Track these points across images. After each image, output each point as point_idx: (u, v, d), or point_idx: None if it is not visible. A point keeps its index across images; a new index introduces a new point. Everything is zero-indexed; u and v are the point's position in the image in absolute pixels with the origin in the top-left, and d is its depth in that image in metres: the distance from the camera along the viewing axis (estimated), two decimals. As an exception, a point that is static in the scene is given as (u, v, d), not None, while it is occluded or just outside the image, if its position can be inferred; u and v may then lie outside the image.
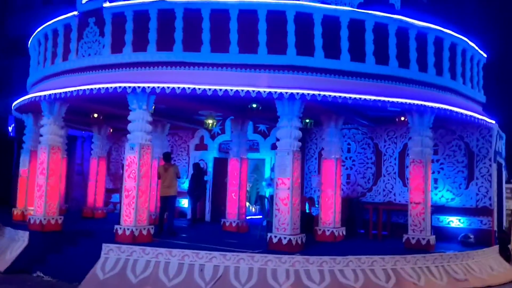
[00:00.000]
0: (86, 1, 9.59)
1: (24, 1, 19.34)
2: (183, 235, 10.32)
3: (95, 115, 12.83)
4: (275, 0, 8.54)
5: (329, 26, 8.66)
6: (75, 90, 8.96)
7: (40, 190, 9.99)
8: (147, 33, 8.82)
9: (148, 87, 8.35)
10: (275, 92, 8.10)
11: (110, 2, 9.24)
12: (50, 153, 10.05)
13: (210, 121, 12.66)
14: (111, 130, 14.70)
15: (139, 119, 8.75)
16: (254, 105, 10.09)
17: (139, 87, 8.38)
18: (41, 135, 10.34)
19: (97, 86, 8.66)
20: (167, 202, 10.45)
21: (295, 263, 7.77)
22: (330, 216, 10.09)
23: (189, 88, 8.17)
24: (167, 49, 8.71)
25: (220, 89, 8.11)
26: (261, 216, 12.45)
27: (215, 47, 8.58)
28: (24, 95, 11.52)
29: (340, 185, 10.51)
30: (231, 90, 8.09)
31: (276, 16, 8.54)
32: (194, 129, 14.63)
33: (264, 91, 8.09)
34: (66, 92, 9.12)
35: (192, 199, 13.00)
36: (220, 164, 14.26)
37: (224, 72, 8.54)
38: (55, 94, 9.42)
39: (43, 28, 10.72)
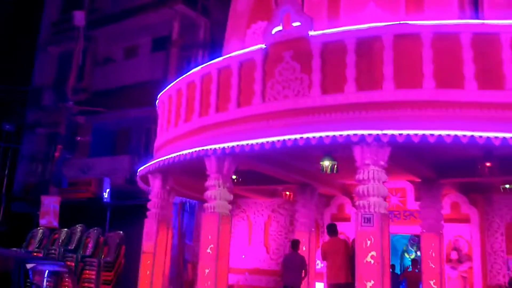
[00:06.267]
0: (278, 31, 7.61)
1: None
2: None
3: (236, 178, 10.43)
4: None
5: None
6: (276, 141, 6.71)
7: (207, 274, 7.40)
8: (379, 66, 6.67)
9: (393, 135, 6.08)
10: None
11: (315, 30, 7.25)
12: (221, 225, 7.59)
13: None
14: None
15: (374, 179, 6.34)
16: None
17: (378, 135, 6.11)
18: (204, 201, 7.89)
19: (314, 134, 6.42)
20: None
21: None
22: None
23: (464, 135, 5.86)
24: (412, 86, 6.51)
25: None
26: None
27: (483, 80, 6.36)
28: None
29: None
30: (528, 138, 5.74)
31: None
32: (330, 195, 12.19)
33: None
34: (261, 144, 6.86)
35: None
36: (369, 239, 11.61)
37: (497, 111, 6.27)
38: (233, 147, 7.26)
39: (200, 69, 8.74)
